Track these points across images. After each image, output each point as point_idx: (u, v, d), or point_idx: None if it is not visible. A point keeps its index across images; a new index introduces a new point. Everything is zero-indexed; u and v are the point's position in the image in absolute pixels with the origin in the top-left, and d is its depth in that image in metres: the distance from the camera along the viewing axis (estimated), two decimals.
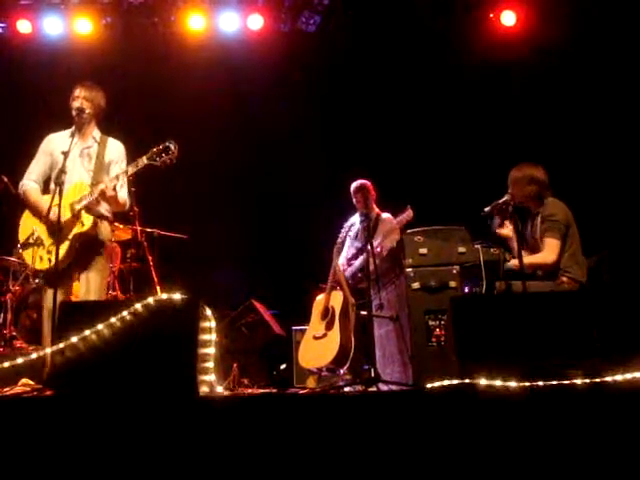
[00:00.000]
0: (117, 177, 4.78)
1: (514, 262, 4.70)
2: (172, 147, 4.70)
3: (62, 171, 4.52)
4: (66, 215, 4.67)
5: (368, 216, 5.93)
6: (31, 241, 4.79)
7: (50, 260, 4.60)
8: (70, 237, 4.72)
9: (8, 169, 6.06)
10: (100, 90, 5.05)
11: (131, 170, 4.78)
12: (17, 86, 7.84)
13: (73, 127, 4.99)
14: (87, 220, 4.75)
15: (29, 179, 4.97)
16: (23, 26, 7.84)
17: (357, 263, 6.24)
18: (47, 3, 7.80)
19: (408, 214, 6.10)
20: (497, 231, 5.18)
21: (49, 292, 4.70)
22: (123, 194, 4.99)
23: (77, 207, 4.73)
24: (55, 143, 5.00)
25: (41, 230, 4.80)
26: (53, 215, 4.55)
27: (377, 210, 6.65)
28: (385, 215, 6.60)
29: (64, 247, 4.67)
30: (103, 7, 7.84)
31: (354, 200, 6.64)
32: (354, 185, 6.67)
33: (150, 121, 7.60)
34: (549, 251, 4.85)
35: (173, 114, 7.72)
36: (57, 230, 4.47)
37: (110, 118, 5.19)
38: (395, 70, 8.19)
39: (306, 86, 8.06)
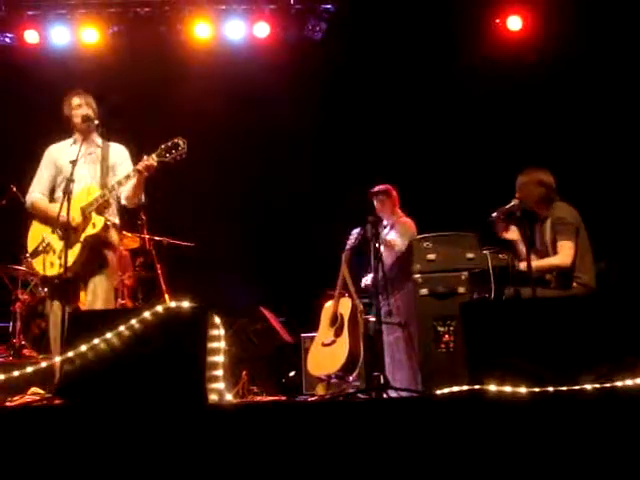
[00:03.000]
0: (127, 176, 4.76)
1: (523, 265, 4.67)
2: (181, 143, 4.74)
3: (70, 180, 4.53)
4: (78, 219, 4.69)
5: (377, 223, 5.91)
6: (40, 249, 4.79)
7: (61, 265, 4.54)
8: (82, 239, 4.70)
9: (17, 179, 6.08)
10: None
11: (141, 168, 4.77)
12: (25, 96, 7.87)
13: (74, 136, 5.04)
14: (98, 221, 4.74)
15: (35, 191, 4.99)
16: (30, 36, 7.87)
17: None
18: (54, 13, 7.82)
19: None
20: (502, 235, 5.16)
21: (54, 301, 4.73)
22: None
23: (88, 210, 4.71)
24: (57, 153, 5.03)
25: (51, 236, 4.80)
26: (62, 220, 4.54)
27: (400, 214, 6.62)
28: (404, 219, 6.58)
29: (76, 249, 4.68)
30: (110, 16, 7.86)
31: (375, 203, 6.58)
32: (376, 189, 6.59)
33: (157, 129, 7.59)
34: (565, 254, 4.80)
35: (180, 122, 7.70)
36: (65, 237, 4.50)
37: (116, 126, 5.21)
38: (401, 77, 8.18)
39: (313, 93, 8.06)
